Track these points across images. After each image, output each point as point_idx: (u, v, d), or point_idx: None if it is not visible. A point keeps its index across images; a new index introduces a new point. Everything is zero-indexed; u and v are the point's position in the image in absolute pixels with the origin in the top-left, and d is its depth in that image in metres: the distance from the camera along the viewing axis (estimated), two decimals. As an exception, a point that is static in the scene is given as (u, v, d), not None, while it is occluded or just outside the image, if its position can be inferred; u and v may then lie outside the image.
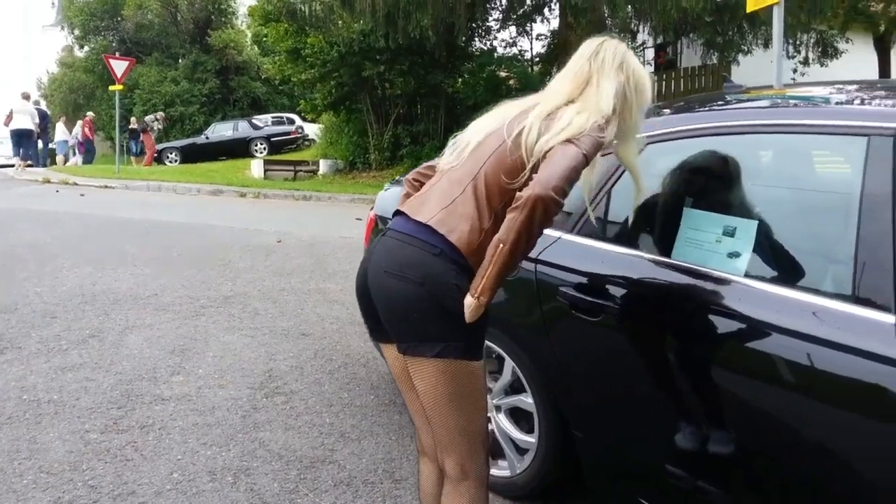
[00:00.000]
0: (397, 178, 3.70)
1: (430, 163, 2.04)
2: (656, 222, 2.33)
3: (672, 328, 2.09)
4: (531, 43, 18.47)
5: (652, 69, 18.82)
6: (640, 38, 17.43)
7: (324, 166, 18.45)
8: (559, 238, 2.39)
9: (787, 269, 2.00)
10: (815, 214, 2.03)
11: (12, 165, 17.28)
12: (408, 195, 2.02)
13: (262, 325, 4.51)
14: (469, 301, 1.63)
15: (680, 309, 2.07)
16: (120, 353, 3.89)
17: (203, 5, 28.94)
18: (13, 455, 2.77)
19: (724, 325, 1.93)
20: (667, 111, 2.48)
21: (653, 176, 2.36)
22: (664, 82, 17.59)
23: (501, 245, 1.59)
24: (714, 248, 2.05)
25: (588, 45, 1.87)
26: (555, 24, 17.09)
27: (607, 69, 1.80)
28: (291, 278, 5.83)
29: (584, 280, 2.26)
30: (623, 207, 2.39)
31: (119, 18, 29.09)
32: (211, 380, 3.61)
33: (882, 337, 1.63)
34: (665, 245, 2.18)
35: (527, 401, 2.54)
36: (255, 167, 18.33)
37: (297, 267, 6.30)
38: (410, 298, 1.68)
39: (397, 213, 1.87)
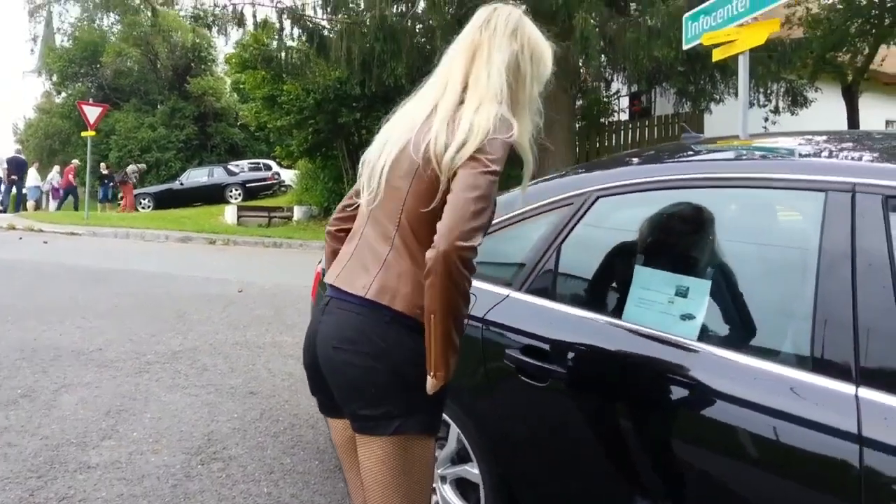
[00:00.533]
0: None
1: (346, 200, 1.83)
2: (607, 280, 2.17)
3: (621, 396, 1.92)
4: (507, 92, 18.61)
5: (626, 117, 19.11)
6: (615, 86, 17.67)
7: (298, 212, 18.31)
8: (507, 296, 2.23)
9: (742, 331, 1.85)
10: (771, 272, 1.88)
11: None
12: (335, 252, 1.82)
13: (209, 383, 4.26)
14: (429, 380, 1.49)
15: (629, 376, 1.90)
16: (51, 414, 3.63)
17: (183, 53, 29.11)
18: None
19: (675, 393, 1.79)
20: (620, 163, 2.34)
21: (605, 231, 2.23)
22: (638, 130, 17.75)
23: (433, 316, 1.42)
24: (666, 309, 1.89)
25: (479, 14, 1.67)
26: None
27: (499, 38, 1.61)
28: (248, 331, 5.59)
29: (531, 342, 2.09)
30: (574, 264, 2.24)
31: (98, 65, 29.10)
32: (145, 444, 3.35)
33: (841, 409, 1.48)
34: (616, 305, 2.03)
35: (472, 471, 2.34)
36: (229, 213, 18.16)
37: (255, 319, 6.06)
38: (365, 374, 1.51)
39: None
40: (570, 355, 2.01)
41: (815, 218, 1.68)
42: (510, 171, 1.71)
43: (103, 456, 3.20)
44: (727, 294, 1.90)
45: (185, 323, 5.76)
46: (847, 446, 1.44)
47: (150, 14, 28.22)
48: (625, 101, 19.63)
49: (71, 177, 21.89)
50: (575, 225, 2.16)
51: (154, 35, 28.22)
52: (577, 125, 16.83)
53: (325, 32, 13.21)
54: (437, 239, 1.39)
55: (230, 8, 12.57)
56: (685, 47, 5.34)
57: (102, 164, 23.53)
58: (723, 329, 1.88)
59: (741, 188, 1.90)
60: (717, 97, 15.21)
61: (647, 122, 17.90)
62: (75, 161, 22.76)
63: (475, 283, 2.31)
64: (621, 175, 2.17)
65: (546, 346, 2.04)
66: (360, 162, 1.71)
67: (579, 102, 16.66)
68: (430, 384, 1.50)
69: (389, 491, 1.56)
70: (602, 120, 17.97)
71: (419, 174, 1.53)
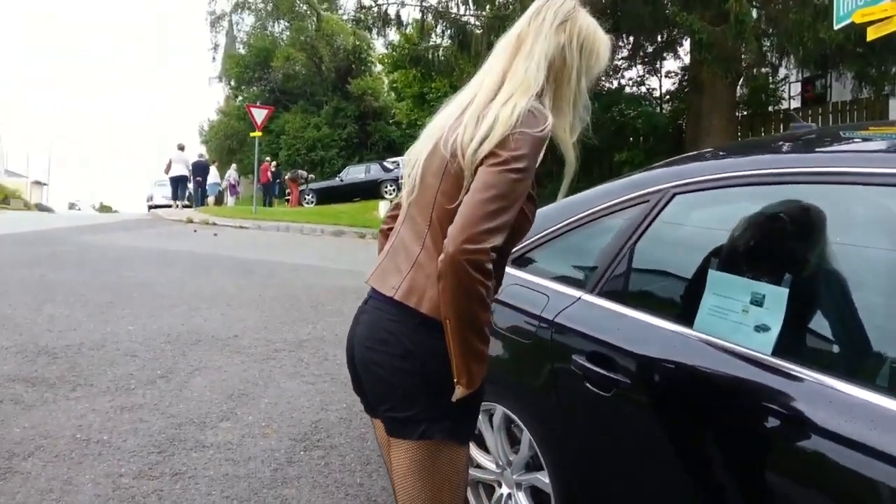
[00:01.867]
0: None
1: (399, 196, 1.78)
2: (681, 285, 2.00)
3: (686, 412, 1.76)
4: (660, 81, 17.83)
5: (799, 105, 17.62)
6: (783, 71, 16.34)
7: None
8: (579, 298, 2.11)
9: (824, 348, 1.63)
10: (864, 284, 1.64)
11: (170, 206, 20.19)
12: (382, 249, 1.82)
13: (326, 373, 4.44)
14: (456, 388, 1.45)
15: (695, 390, 1.74)
16: (181, 395, 3.95)
17: (345, 55, 30.61)
18: (45, 495, 2.81)
19: (745, 412, 1.60)
20: (700, 158, 2.15)
21: (682, 230, 2.06)
22: (810, 118, 16.30)
23: (448, 322, 1.38)
24: (740, 318, 1.71)
25: (533, 5, 1.57)
26: (687, 59, 16.42)
27: (545, 30, 1.50)
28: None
29: (597, 349, 1.96)
30: (648, 266, 2.09)
31: (269, 70, 31.32)
32: (257, 428, 3.56)
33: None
34: (689, 312, 1.85)
35: (543, 480, 2.25)
36: (383, 208, 18.87)
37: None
38: (394, 375, 1.50)
39: None
40: (635, 365, 1.87)
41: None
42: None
43: (218, 437, 3.44)
44: (812, 306, 1.68)
45: (317, 313, 6.05)
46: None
47: (315, 19, 29.93)
48: (795, 88, 18.11)
49: (269, 174, 23.89)
50: (650, 224, 2.01)
51: (318, 39, 29.92)
52: (740, 114, 15.80)
53: (469, 28, 13.34)
54: (446, 241, 1.33)
55: (374, 9, 12.97)
56: (836, 27, 4.85)
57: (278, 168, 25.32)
58: (803, 344, 1.67)
59: (827, 184, 1.67)
60: (904, 80, 13.64)
61: (820, 110, 16.39)
62: (268, 159, 24.82)
63: (547, 283, 2.26)
64: (701, 170, 1.99)
65: (612, 354, 1.91)
66: (406, 156, 1.69)
67: (742, 90, 15.59)
68: (457, 392, 1.46)
69: (416, 494, 1.53)
70: (770, 108, 16.71)
71: (448, 170, 1.48)
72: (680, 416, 1.79)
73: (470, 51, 12.33)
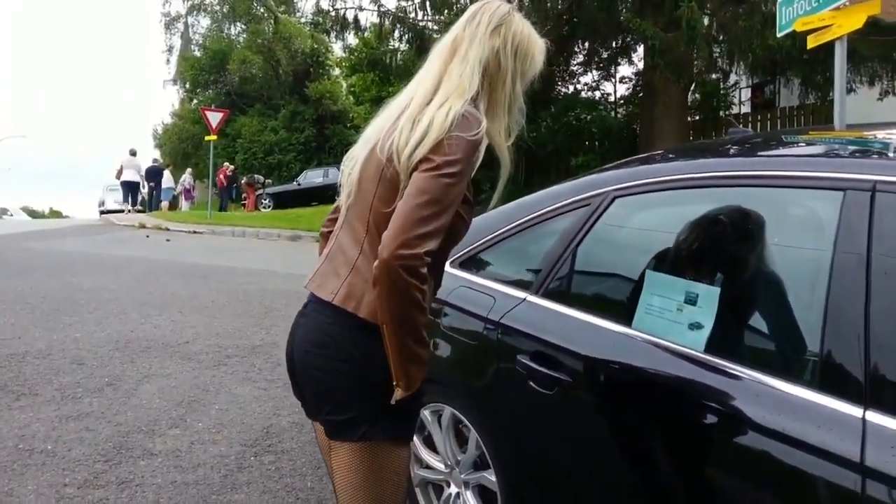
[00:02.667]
0: None
1: (339, 200, 1.76)
2: (621, 285, 2.05)
3: (624, 408, 1.81)
4: (615, 86, 18.14)
5: (749, 110, 18.09)
6: (733, 77, 16.76)
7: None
8: (524, 300, 2.15)
9: (752, 343, 1.69)
10: (783, 280, 1.70)
11: (122, 210, 19.99)
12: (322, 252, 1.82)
13: (279, 378, 4.41)
14: (396, 391, 1.46)
15: (633, 387, 1.79)
16: (129, 402, 3.88)
17: (302, 58, 30.33)
18: (-16, 508, 2.74)
19: (682, 408, 1.66)
20: (638, 162, 2.21)
21: (621, 233, 2.11)
22: (760, 123, 16.74)
23: (385, 326, 1.39)
24: (675, 317, 1.76)
25: (469, 10, 1.59)
26: (640, 65, 16.73)
27: (480, 34, 1.52)
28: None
29: (540, 349, 2.00)
30: (589, 267, 2.14)
31: (225, 73, 30.88)
32: (207, 434, 3.52)
33: (847, 435, 1.32)
34: (628, 311, 1.90)
35: (490, 478, 2.27)
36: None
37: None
38: (332, 378, 1.51)
39: None
40: (577, 364, 1.91)
41: (832, 220, 1.51)
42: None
43: (167, 444, 3.38)
44: (741, 303, 1.74)
45: (270, 318, 6.00)
46: (852, 476, 1.30)
47: (272, 22, 29.64)
48: (747, 93, 18.59)
49: (222, 177, 23.54)
50: (591, 227, 2.05)
51: (276, 42, 29.60)
52: (692, 119, 16.14)
53: (427, 33, 13.37)
54: (380, 247, 1.34)
55: (333, 13, 12.92)
56: (779, 35, 4.99)
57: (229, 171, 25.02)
58: (732, 340, 1.73)
59: (761, 187, 1.74)
60: (849, 86, 14.11)
61: (769, 115, 16.85)
62: (226, 164, 24.46)
63: (494, 285, 2.29)
64: (639, 174, 2.04)
65: (555, 353, 1.95)
66: (343, 160, 1.70)
67: (694, 95, 15.94)
68: (396, 393, 1.46)
69: (358, 496, 1.54)
70: (721, 113, 17.11)
71: (384, 174, 1.48)
72: (620, 412, 1.84)
73: (427, 56, 12.33)
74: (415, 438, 2.58)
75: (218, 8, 33.33)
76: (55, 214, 61.08)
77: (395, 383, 1.45)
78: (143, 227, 15.00)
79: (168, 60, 35.81)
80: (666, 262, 1.89)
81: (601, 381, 1.89)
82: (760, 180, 1.75)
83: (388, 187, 1.47)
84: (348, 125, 29.33)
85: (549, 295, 2.09)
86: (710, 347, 1.64)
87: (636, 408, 1.80)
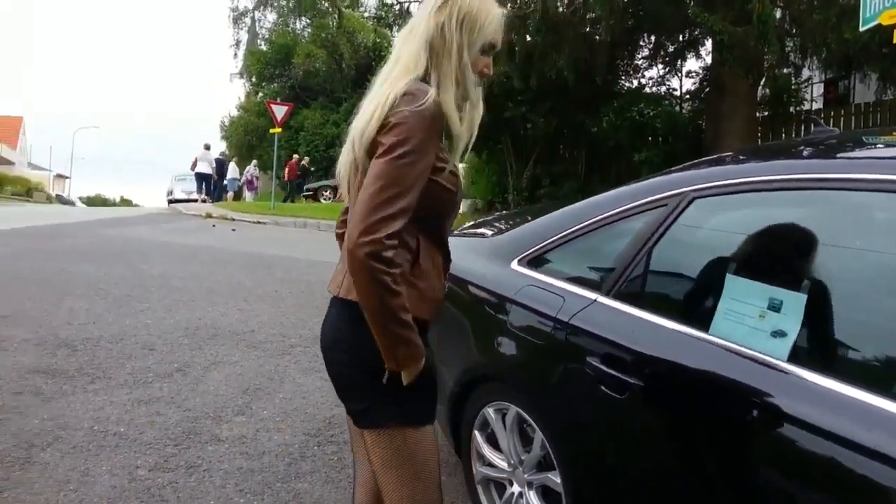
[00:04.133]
0: (463, 226, 3.51)
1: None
2: (698, 289, 1.99)
3: (698, 417, 1.76)
4: (681, 81, 17.69)
5: (821, 106, 17.43)
6: (805, 72, 16.16)
7: (464, 205, 18.61)
8: (594, 301, 2.11)
9: (839, 353, 1.61)
10: (874, 287, 1.62)
11: (195, 200, 22.01)
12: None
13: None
14: (402, 374, 1.49)
15: (708, 396, 1.73)
16: (197, 388, 3.98)
17: (365, 52, 30.63)
18: (62, 486, 2.85)
19: (757, 417, 1.59)
20: (719, 162, 2.14)
21: (700, 235, 2.05)
22: (833, 120, 16.10)
23: (365, 311, 1.42)
24: (756, 324, 1.69)
25: None
26: (708, 60, 16.28)
27: (425, 13, 1.56)
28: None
29: (611, 351, 1.96)
30: (665, 270, 2.09)
31: (290, 66, 31.43)
32: (271, 422, 3.59)
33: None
34: (705, 316, 1.84)
35: (555, 479, 2.24)
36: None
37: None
38: (344, 371, 1.57)
39: None
40: (650, 368, 1.86)
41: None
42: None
43: (233, 431, 3.46)
44: (830, 312, 1.66)
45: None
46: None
47: (336, 16, 29.98)
48: (819, 89, 17.90)
49: (288, 170, 24.15)
50: (668, 228, 2.00)
51: (339, 36, 29.95)
52: (761, 115, 15.64)
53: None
54: (346, 237, 1.39)
55: (396, 7, 12.97)
56: (862, 28, 4.77)
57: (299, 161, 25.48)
58: (818, 349, 1.65)
59: (849, 191, 1.66)
60: (932, 81, 13.44)
61: (843, 111, 16.19)
62: (296, 156, 25.04)
63: (563, 285, 2.26)
64: (720, 174, 1.98)
65: (626, 357, 1.91)
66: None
67: (763, 91, 15.44)
68: (403, 376, 1.49)
69: (389, 482, 1.58)
70: (791, 109, 16.53)
71: (356, 165, 1.54)
72: (693, 420, 1.78)
73: (490, 50, 12.28)
74: (477, 436, 2.58)
75: (284, 3, 33.90)
76: (126, 203, 63.47)
77: (386, 367, 1.47)
78: (209, 216, 15.42)
79: (235, 54, 36.57)
80: (748, 266, 1.82)
81: (675, 388, 1.83)
82: (849, 183, 1.67)
83: (362, 178, 1.48)
84: (409, 119, 29.43)
85: (621, 297, 2.05)
86: (794, 357, 1.58)
87: (711, 417, 1.74)
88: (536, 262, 2.44)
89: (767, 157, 2.04)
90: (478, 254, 2.83)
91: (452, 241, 3.24)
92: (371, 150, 1.45)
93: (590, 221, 2.29)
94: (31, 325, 4.93)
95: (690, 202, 1.98)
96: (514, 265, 2.51)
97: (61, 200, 54.44)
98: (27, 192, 47.72)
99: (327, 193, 24.02)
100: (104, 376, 4.07)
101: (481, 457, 2.58)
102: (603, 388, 1.94)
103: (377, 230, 1.34)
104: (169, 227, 13.17)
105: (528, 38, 11.60)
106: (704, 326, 1.79)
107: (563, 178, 17.04)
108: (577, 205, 2.52)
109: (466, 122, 1.61)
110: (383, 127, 1.43)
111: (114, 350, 4.54)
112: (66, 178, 69.53)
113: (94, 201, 58.72)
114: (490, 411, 2.49)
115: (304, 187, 24.86)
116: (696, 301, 2.00)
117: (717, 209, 1.98)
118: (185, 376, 4.17)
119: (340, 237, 1.83)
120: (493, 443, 2.53)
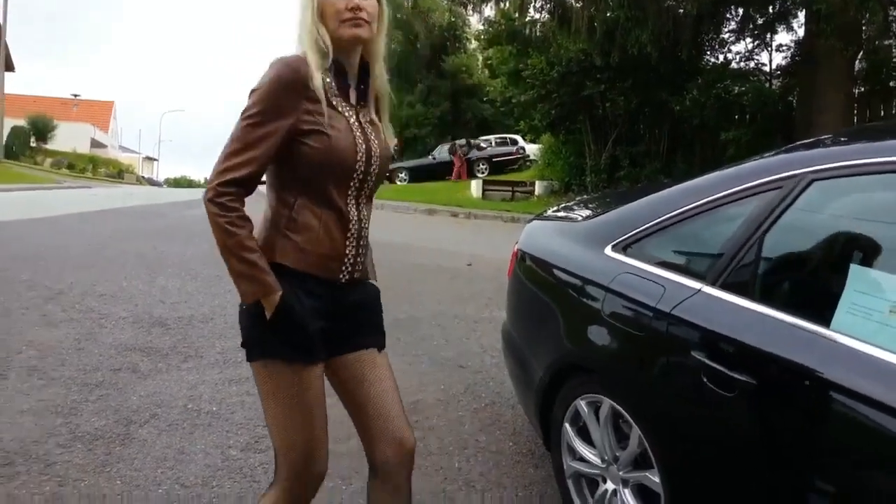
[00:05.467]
0: (550, 209, 3.42)
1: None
2: (818, 280, 1.85)
3: (816, 419, 1.63)
4: (770, 55, 16.86)
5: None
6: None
7: (539, 188, 18.39)
8: (699, 290, 1.99)
9: None
10: None
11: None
12: None
13: (424, 353, 4.46)
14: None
15: (828, 397, 1.59)
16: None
17: (439, 32, 30.57)
18: (160, 463, 2.95)
19: (882, 424, 1.46)
20: (841, 141, 1.97)
21: (819, 221, 1.90)
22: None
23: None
24: (886, 320, 1.55)
25: None
26: (800, 32, 15.44)
27: None
28: (468, 305, 5.75)
29: (720, 345, 1.85)
30: (779, 258, 1.95)
31: (365, 48, 31.65)
32: (356, 406, 3.60)
33: None
34: (826, 310, 1.70)
35: (653, 479, 2.15)
36: (475, 187, 18.81)
37: (478, 293, 6.21)
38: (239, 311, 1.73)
39: None
40: (763, 365, 1.74)
41: None
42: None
43: (320, 412, 3.50)
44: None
45: (412, 292, 6.09)
46: None
47: (412, -4, 30.04)
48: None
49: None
50: (783, 212, 1.86)
51: (414, 16, 29.98)
52: (857, 90, 14.76)
53: (569, 3, 13.01)
54: None
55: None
56: None
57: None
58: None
59: None
60: None
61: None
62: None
63: (663, 272, 2.15)
64: (843, 154, 1.82)
65: (736, 352, 1.79)
66: None
67: (861, 64, 14.55)
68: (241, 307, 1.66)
69: (264, 414, 1.73)
70: (892, 84, 15.53)
71: None
72: (808, 422, 1.66)
73: (570, 26, 12.01)
74: (568, 429, 2.50)
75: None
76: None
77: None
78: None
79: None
80: (876, 256, 1.67)
81: (791, 387, 1.71)
82: None
83: None
84: (483, 99, 29.32)
85: (729, 287, 1.92)
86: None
87: (831, 420, 1.61)
88: (632, 248, 2.33)
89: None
90: (567, 237, 2.74)
91: (536, 225, 3.14)
92: None
93: (690, 206, 2.16)
94: (127, 303, 5.14)
95: (809, 184, 1.83)
96: (609, 251, 2.41)
97: (150, 182, 57.01)
98: (118, 173, 50.06)
99: (402, 175, 24.18)
100: (196, 355, 4.20)
101: (572, 451, 2.50)
102: (709, 383, 1.83)
103: (217, 178, 1.53)
104: (255, 207, 13.48)
105: (609, 13, 11.24)
106: (825, 321, 1.66)
107: (643, 159, 16.59)
108: (674, 188, 2.39)
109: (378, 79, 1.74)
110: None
111: (205, 329, 4.68)
112: (155, 160, 72.52)
113: (180, 183, 61.20)
114: (582, 404, 2.41)
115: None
116: (815, 293, 1.86)
117: (840, 192, 1.83)
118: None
119: None
120: (586, 437, 2.45)
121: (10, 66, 42.32)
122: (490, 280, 6.80)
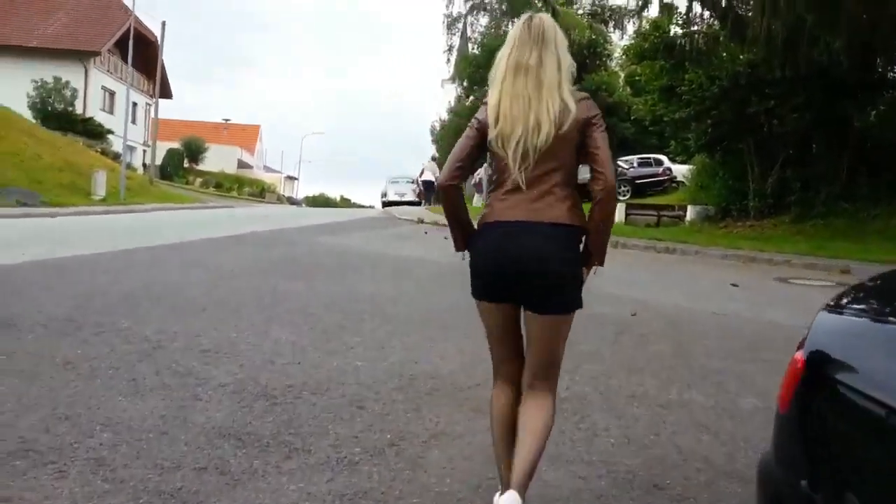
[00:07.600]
0: (846, 297, 2.11)
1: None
2: None
3: None
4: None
5: None
6: None
7: (691, 212, 16.72)
8: None
9: None
10: None
11: (407, 203, 26.83)
12: None
13: (599, 454, 3.29)
14: None
15: None
16: (414, 478, 3.01)
17: (579, 49, 29.29)
18: None
19: None
20: None
21: None
22: None
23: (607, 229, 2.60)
24: None
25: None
26: None
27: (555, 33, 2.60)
28: (645, 376, 4.50)
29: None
30: None
31: (499, 69, 30.96)
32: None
33: None
34: None
35: None
36: (617, 211, 17.35)
37: (653, 357, 4.95)
38: (560, 273, 2.47)
39: None
40: None
41: None
42: None
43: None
44: None
45: (572, 355, 4.87)
46: None
47: (551, 14, 29.01)
48: None
49: None
50: None
51: (554, 34, 28.92)
52: None
53: (740, 11, 11.48)
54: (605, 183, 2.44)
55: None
56: None
57: None
58: None
59: None
60: None
61: None
62: None
63: None
64: None
65: None
66: None
67: None
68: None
69: (559, 349, 2.66)
70: None
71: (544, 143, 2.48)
72: None
73: (745, 35, 10.48)
74: None
75: (497, 6, 33.64)
76: (345, 202, 68.18)
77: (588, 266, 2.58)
78: (421, 222, 15.06)
79: (448, 60, 37.00)
80: None
81: None
82: None
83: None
84: (627, 119, 27.82)
85: None
86: None
87: None
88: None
89: None
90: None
91: (841, 325, 2.00)
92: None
93: None
94: (232, 363, 4.31)
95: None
96: None
97: (291, 201, 59.62)
98: (261, 192, 52.70)
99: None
100: (303, 448, 3.22)
101: None
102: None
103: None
104: (383, 233, 12.88)
105: (795, 17, 9.61)
106: None
107: (818, 182, 14.58)
108: None
109: None
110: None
111: (317, 405, 3.74)
112: (295, 179, 75.84)
113: (318, 201, 63.26)
114: None
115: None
116: None
117: None
118: (400, 455, 3.22)
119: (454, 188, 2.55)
120: None
121: (167, 94, 45.30)
122: (665, 338, 5.51)
